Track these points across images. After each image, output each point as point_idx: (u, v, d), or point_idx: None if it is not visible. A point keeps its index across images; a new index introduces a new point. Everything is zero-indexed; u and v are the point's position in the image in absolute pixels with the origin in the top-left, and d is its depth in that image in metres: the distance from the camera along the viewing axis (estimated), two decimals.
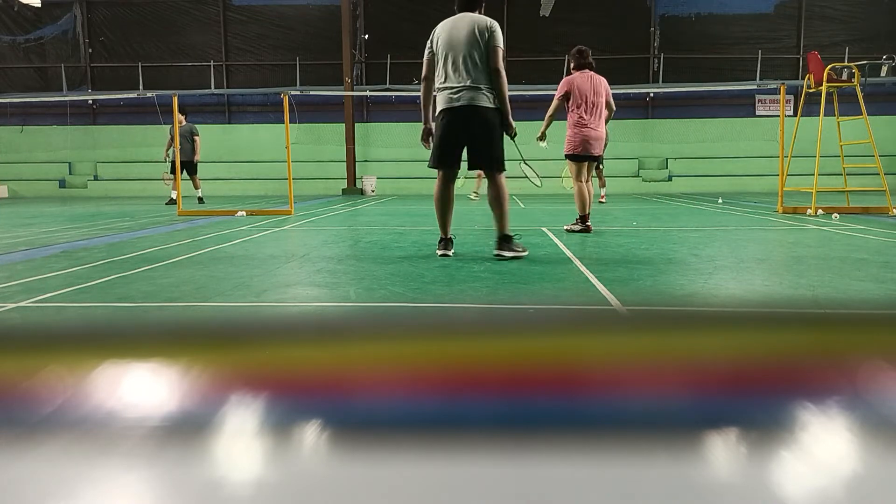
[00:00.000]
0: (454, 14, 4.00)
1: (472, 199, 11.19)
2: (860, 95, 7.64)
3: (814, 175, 7.64)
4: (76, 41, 18.95)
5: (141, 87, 17.71)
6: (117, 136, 17.88)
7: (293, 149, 8.70)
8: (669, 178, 17.59)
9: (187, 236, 5.53)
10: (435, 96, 3.99)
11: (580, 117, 5.57)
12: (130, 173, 17.67)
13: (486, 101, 3.84)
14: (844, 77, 7.99)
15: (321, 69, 18.43)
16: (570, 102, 5.61)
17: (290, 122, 8.18)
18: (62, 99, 17.30)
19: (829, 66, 7.73)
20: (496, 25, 3.88)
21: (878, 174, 7.89)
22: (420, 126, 4.15)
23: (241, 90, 18.39)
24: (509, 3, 18.09)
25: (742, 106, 18.19)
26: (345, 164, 16.77)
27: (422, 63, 4.05)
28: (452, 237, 4.12)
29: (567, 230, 5.70)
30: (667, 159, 18.23)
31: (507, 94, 3.92)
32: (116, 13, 18.90)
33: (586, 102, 5.53)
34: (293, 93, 9.48)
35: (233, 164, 18.13)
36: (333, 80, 17.71)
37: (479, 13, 3.98)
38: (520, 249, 3.93)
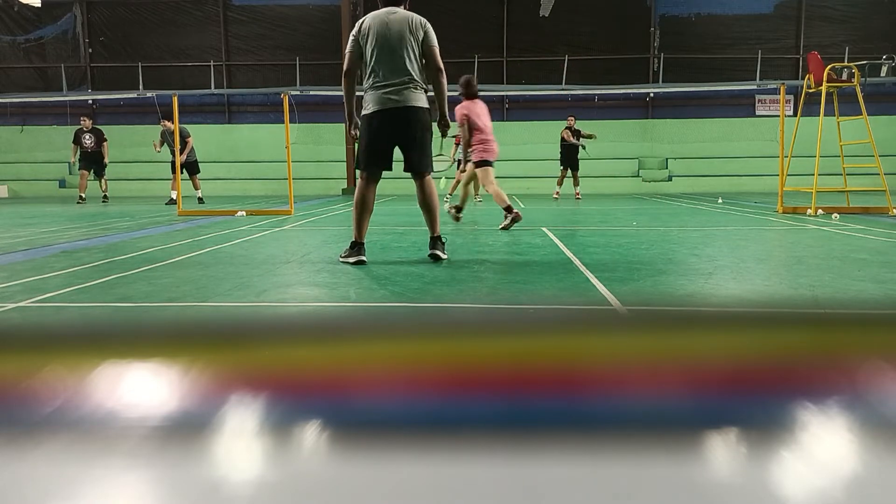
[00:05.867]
0: (382, 7, 3.84)
1: (446, 202, 11.04)
2: (860, 95, 7.64)
3: (814, 175, 7.63)
4: (76, 41, 18.94)
5: (141, 87, 17.70)
6: (117, 136, 17.86)
7: (293, 149, 8.69)
8: (669, 178, 17.59)
9: (187, 236, 5.53)
10: (363, 94, 3.86)
11: (482, 137, 6.49)
12: (130, 173, 17.66)
13: (421, 101, 3.79)
14: (844, 77, 7.98)
15: (321, 69, 18.42)
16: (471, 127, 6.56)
17: (290, 122, 8.17)
18: (62, 99, 17.29)
19: (829, 66, 7.73)
20: (429, 24, 3.82)
21: (879, 174, 7.89)
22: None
23: (241, 90, 18.38)
24: (509, 3, 18.08)
25: (742, 106, 18.19)
26: (345, 164, 16.76)
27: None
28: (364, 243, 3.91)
29: (502, 228, 6.21)
30: (667, 159, 18.23)
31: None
32: (116, 13, 18.89)
33: (483, 123, 6.47)
34: (293, 93, 9.48)
35: (233, 164, 18.13)
36: (333, 80, 17.69)
37: (406, 8, 3.86)
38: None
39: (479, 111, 6.46)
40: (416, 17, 3.80)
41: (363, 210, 3.89)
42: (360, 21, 3.82)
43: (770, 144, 16.92)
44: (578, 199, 12.29)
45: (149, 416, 0.43)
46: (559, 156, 12.58)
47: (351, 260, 3.79)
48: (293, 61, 18.38)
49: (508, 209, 6.24)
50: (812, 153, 8.31)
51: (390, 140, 3.80)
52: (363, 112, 3.83)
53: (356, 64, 3.82)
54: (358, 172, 3.96)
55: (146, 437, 0.41)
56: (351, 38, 3.82)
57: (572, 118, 12.75)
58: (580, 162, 12.60)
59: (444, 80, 3.84)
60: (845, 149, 8.04)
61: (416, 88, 3.76)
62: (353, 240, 3.86)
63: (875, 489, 0.36)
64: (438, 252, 3.90)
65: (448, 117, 3.99)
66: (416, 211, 9.23)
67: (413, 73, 3.73)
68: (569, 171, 12.48)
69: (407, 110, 3.73)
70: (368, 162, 3.84)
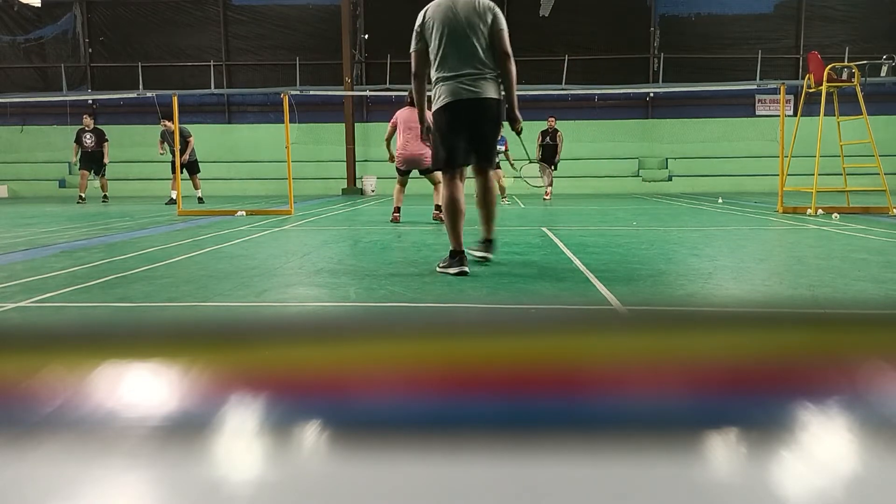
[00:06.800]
0: None
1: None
2: (860, 95, 7.64)
3: (814, 175, 7.63)
4: (76, 41, 18.95)
5: (141, 87, 17.71)
6: (117, 136, 17.88)
7: (293, 149, 8.69)
8: (669, 178, 17.59)
9: (187, 236, 5.53)
10: (434, 88, 3.55)
11: (404, 143, 7.09)
12: (130, 173, 17.66)
13: (494, 91, 3.49)
14: (844, 77, 7.98)
15: (321, 69, 18.43)
16: (398, 131, 7.10)
17: (290, 122, 8.17)
18: (62, 99, 17.29)
19: (829, 66, 7.73)
20: (496, 6, 3.54)
21: (879, 174, 7.89)
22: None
23: (241, 90, 18.39)
24: (509, 3, 18.09)
25: (742, 106, 18.19)
26: (345, 164, 16.76)
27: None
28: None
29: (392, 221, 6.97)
30: (667, 159, 18.23)
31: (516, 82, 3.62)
32: (116, 13, 18.90)
33: (408, 130, 6.92)
34: (293, 93, 9.48)
35: (233, 164, 18.13)
36: (333, 80, 17.70)
37: None
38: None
39: (407, 117, 7.00)
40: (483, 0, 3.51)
41: (456, 214, 3.48)
42: (423, 12, 3.52)
43: (770, 144, 16.93)
44: (547, 199, 11.81)
45: (149, 416, 0.43)
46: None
47: (452, 271, 3.36)
48: (293, 61, 18.39)
49: (397, 209, 7.13)
50: (812, 153, 8.31)
51: (464, 132, 3.50)
52: (435, 106, 3.53)
53: (424, 63, 3.55)
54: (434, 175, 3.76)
55: (146, 437, 0.41)
56: (415, 34, 3.54)
57: (553, 119, 12.66)
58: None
59: (513, 67, 3.51)
60: (845, 149, 8.04)
61: (491, 78, 3.48)
62: (452, 249, 3.45)
63: (875, 489, 0.36)
64: (489, 254, 3.66)
65: (518, 111, 3.64)
66: (417, 211, 9.23)
67: (486, 61, 3.46)
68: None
69: (482, 102, 3.44)
70: (450, 159, 3.52)
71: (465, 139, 3.50)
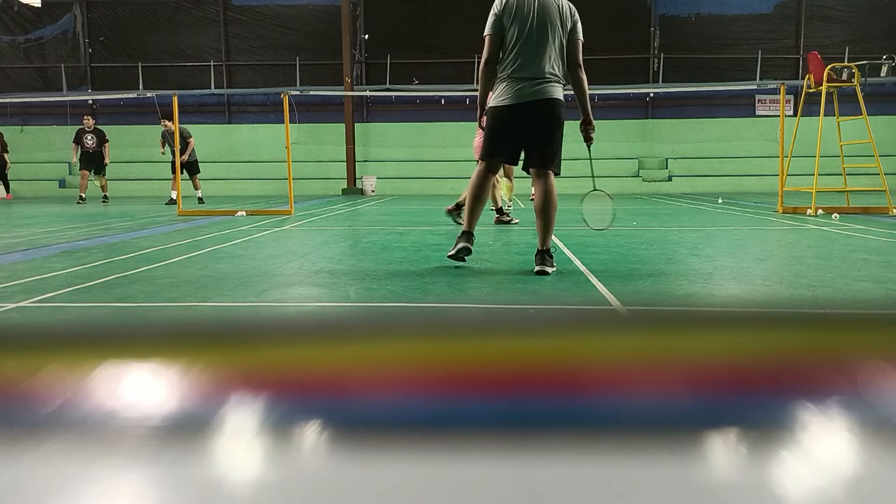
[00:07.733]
0: None
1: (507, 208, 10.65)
2: (860, 95, 7.64)
3: (814, 175, 7.63)
4: (76, 41, 18.94)
5: (141, 87, 17.70)
6: (117, 135, 17.88)
7: (293, 149, 8.70)
8: (669, 178, 17.59)
9: (187, 236, 5.53)
10: (497, 83, 3.45)
11: None
12: (130, 173, 17.66)
13: (559, 92, 3.42)
14: (844, 77, 7.98)
15: (321, 69, 18.42)
16: None
17: (290, 122, 8.18)
18: (62, 99, 17.28)
19: (829, 66, 7.73)
20: (577, 14, 3.43)
21: (879, 174, 7.89)
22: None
23: (241, 90, 18.39)
24: None
25: (742, 106, 18.19)
26: (345, 164, 16.77)
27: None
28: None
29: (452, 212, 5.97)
30: (667, 159, 18.23)
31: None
32: (116, 13, 18.89)
33: None
34: (293, 93, 9.48)
35: (233, 164, 18.13)
36: (333, 80, 17.70)
37: None
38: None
39: None
40: (567, 3, 3.40)
41: (478, 202, 3.59)
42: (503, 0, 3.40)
43: (770, 144, 16.92)
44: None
45: (149, 416, 0.43)
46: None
47: (457, 246, 3.52)
48: (293, 61, 18.38)
49: (458, 206, 5.85)
50: (812, 153, 8.31)
51: (519, 133, 3.43)
52: (493, 101, 3.46)
53: (498, 48, 3.40)
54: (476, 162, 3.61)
55: (146, 437, 0.41)
56: (491, 17, 3.40)
57: None
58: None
59: (585, 78, 3.46)
60: (845, 149, 8.04)
61: (557, 82, 3.40)
62: (463, 230, 3.56)
63: (875, 489, 0.36)
64: (546, 268, 3.36)
65: (592, 119, 3.56)
66: (417, 211, 9.18)
67: (556, 70, 3.38)
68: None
69: (542, 103, 3.36)
70: (492, 153, 3.54)
71: (518, 141, 3.46)
